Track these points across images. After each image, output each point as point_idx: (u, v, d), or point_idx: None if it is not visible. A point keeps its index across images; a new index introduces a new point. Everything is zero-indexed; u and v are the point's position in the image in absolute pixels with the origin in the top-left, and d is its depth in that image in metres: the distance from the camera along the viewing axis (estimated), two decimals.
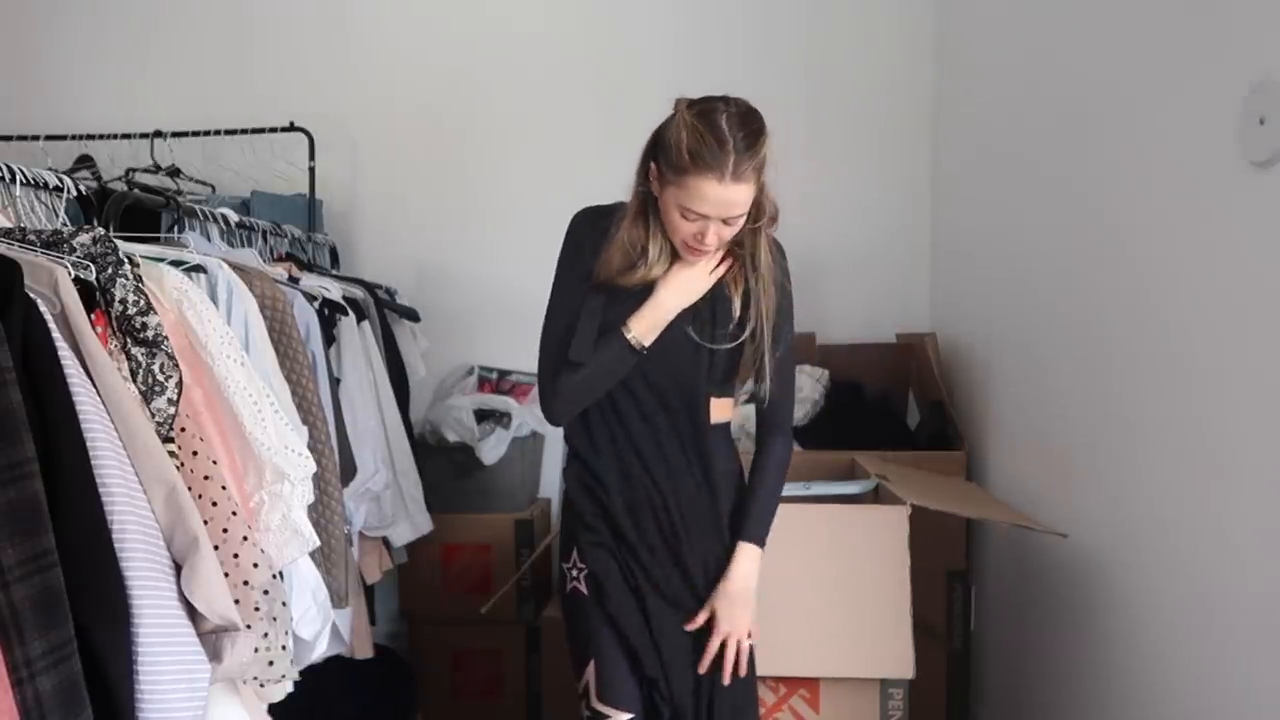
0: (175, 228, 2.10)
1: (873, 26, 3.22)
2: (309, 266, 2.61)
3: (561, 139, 3.20)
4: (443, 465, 2.86)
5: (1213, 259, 1.64)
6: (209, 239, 2.11)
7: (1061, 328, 2.23)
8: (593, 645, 1.68)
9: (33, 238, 1.22)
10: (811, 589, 2.03)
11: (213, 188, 3.00)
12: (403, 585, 2.93)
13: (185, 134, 2.95)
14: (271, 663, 1.32)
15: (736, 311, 1.66)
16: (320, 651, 1.63)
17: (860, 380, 3.04)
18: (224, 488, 1.28)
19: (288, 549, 1.41)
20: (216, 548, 1.21)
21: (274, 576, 1.35)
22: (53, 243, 1.22)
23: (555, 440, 1.80)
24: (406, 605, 2.95)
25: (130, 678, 1.03)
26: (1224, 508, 1.61)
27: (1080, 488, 2.13)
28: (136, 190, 2.18)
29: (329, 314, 2.16)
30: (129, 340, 1.23)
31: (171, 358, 1.25)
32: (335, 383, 2.13)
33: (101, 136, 2.99)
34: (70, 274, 1.15)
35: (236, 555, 1.25)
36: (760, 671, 2.02)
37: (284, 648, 1.34)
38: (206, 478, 1.27)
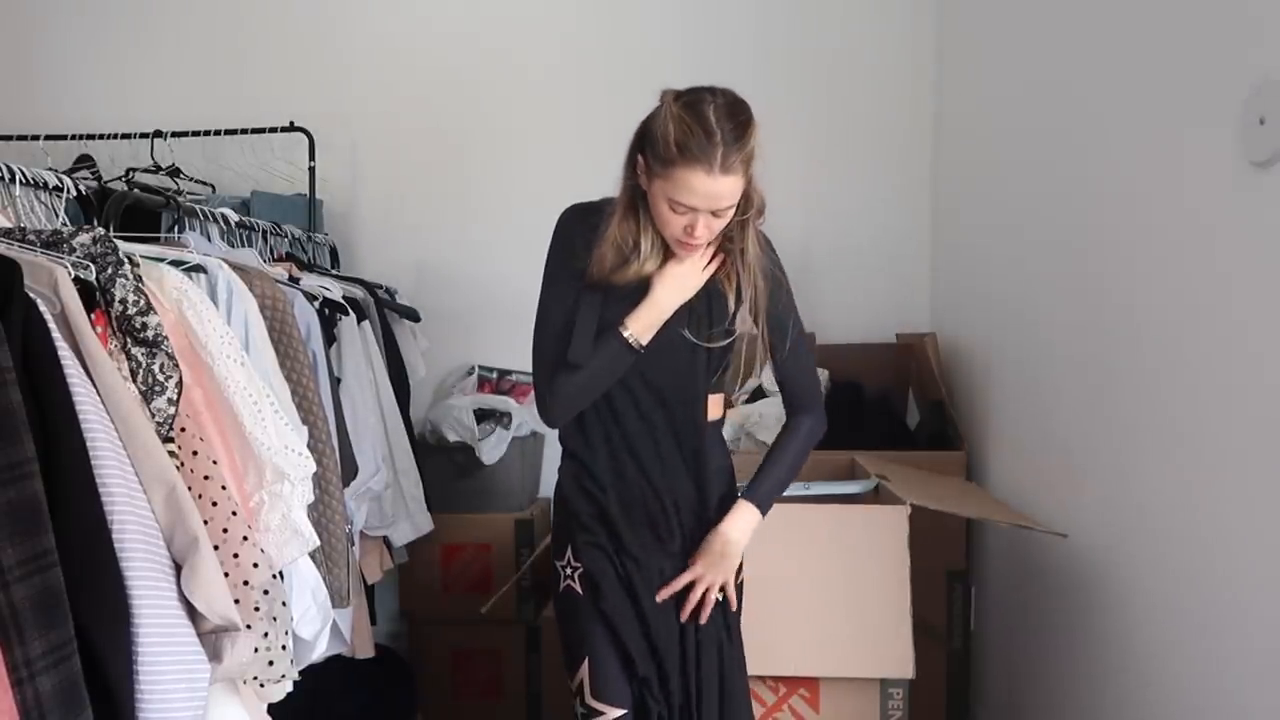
0: (175, 228, 2.10)
1: (874, 27, 3.22)
2: (309, 266, 2.61)
3: (561, 139, 3.20)
4: (443, 465, 2.86)
5: (1213, 259, 1.64)
6: (209, 239, 2.11)
7: (1061, 328, 2.23)
8: (587, 644, 1.68)
9: (33, 238, 1.22)
10: (811, 589, 2.03)
11: (213, 188, 3.00)
12: (403, 585, 2.94)
13: (185, 134, 2.95)
14: (271, 663, 1.32)
15: (732, 306, 1.65)
16: (320, 651, 1.63)
17: (860, 380, 3.04)
18: (224, 488, 1.28)
19: (288, 549, 1.41)
20: (216, 548, 1.21)
21: (274, 576, 1.35)
22: (53, 243, 1.22)
23: (555, 440, 1.80)
24: (406, 605, 2.95)
25: (130, 678, 1.03)
26: (1224, 508, 1.61)
27: (1080, 488, 2.13)
28: (136, 190, 2.18)
29: (329, 314, 2.16)
30: (129, 340, 1.23)
31: (171, 358, 1.25)
32: (335, 382, 2.13)
33: (101, 136, 2.99)
34: (70, 274, 1.15)
35: (236, 555, 1.26)
36: (760, 671, 2.02)
37: (284, 648, 1.34)
38: (206, 478, 1.27)
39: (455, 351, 3.24)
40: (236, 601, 1.20)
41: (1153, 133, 1.84)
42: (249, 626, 1.24)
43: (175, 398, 1.24)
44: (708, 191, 1.48)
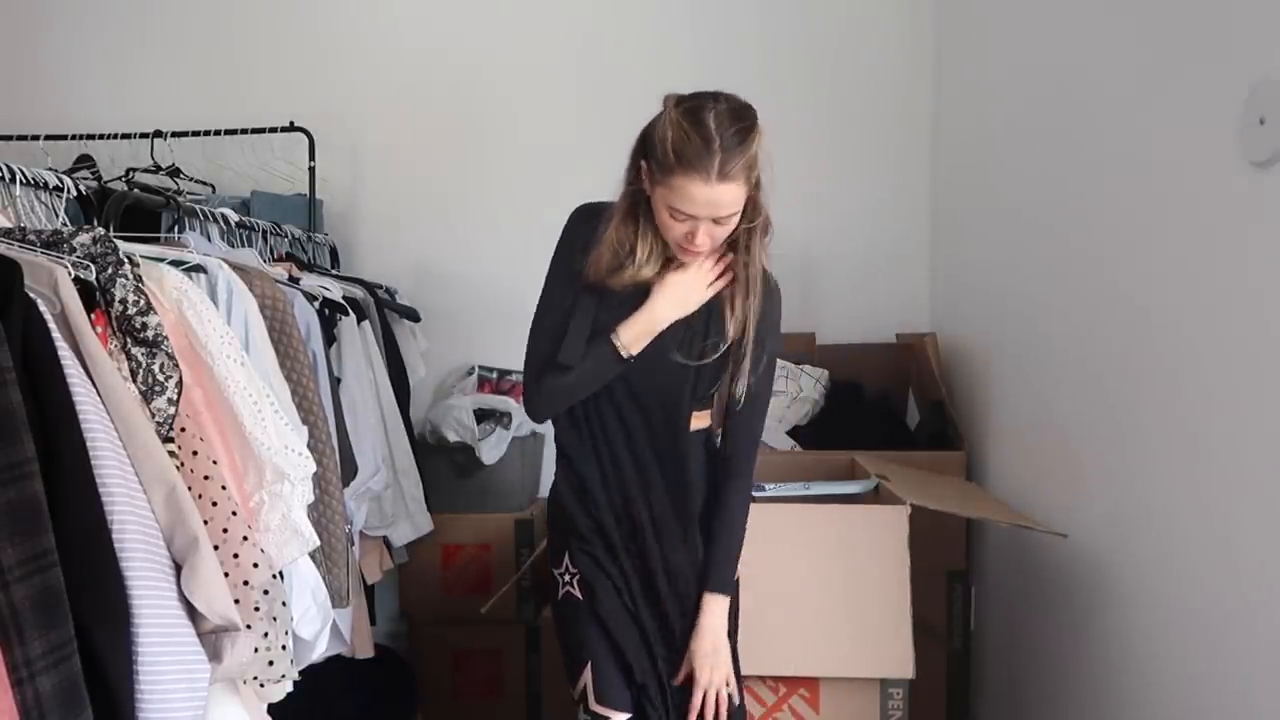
0: (175, 228, 2.10)
1: (874, 27, 3.22)
2: (309, 266, 2.61)
3: (562, 139, 3.20)
4: (443, 465, 2.85)
5: (1213, 259, 1.64)
6: (209, 239, 2.11)
7: (1061, 327, 2.23)
8: (588, 648, 1.67)
9: (33, 238, 1.22)
10: (811, 589, 2.03)
11: (213, 188, 3.00)
12: (403, 585, 2.93)
13: (185, 134, 2.95)
14: (271, 663, 1.32)
15: (730, 328, 1.61)
16: (320, 651, 1.63)
17: (860, 380, 3.04)
18: (224, 488, 1.28)
19: (288, 549, 1.40)
20: (216, 548, 1.21)
21: (274, 576, 1.35)
22: (53, 243, 1.22)
23: (555, 440, 1.80)
24: (406, 605, 2.95)
25: (130, 678, 1.03)
26: (1225, 507, 1.61)
27: (1080, 488, 2.13)
28: (136, 190, 2.18)
29: (329, 314, 2.16)
30: (129, 340, 1.23)
31: (171, 358, 1.25)
32: (335, 382, 2.13)
33: (101, 136, 2.99)
34: (70, 274, 1.15)
35: (236, 555, 1.25)
36: (760, 671, 2.02)
37: (284, 648, 1.34)
38: (206, 478, 1.27)
39: (455, 351, 3.24)
40: (236, 601, 1.20)
41: (1153, 133, 1.84)
42: (249, 626, 1.24)
43: (175, 398, 1.24)
44: (706, 199, 1.46)
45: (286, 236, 2.59)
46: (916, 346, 3.01)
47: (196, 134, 2.96)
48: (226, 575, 1.20)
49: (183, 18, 3.33)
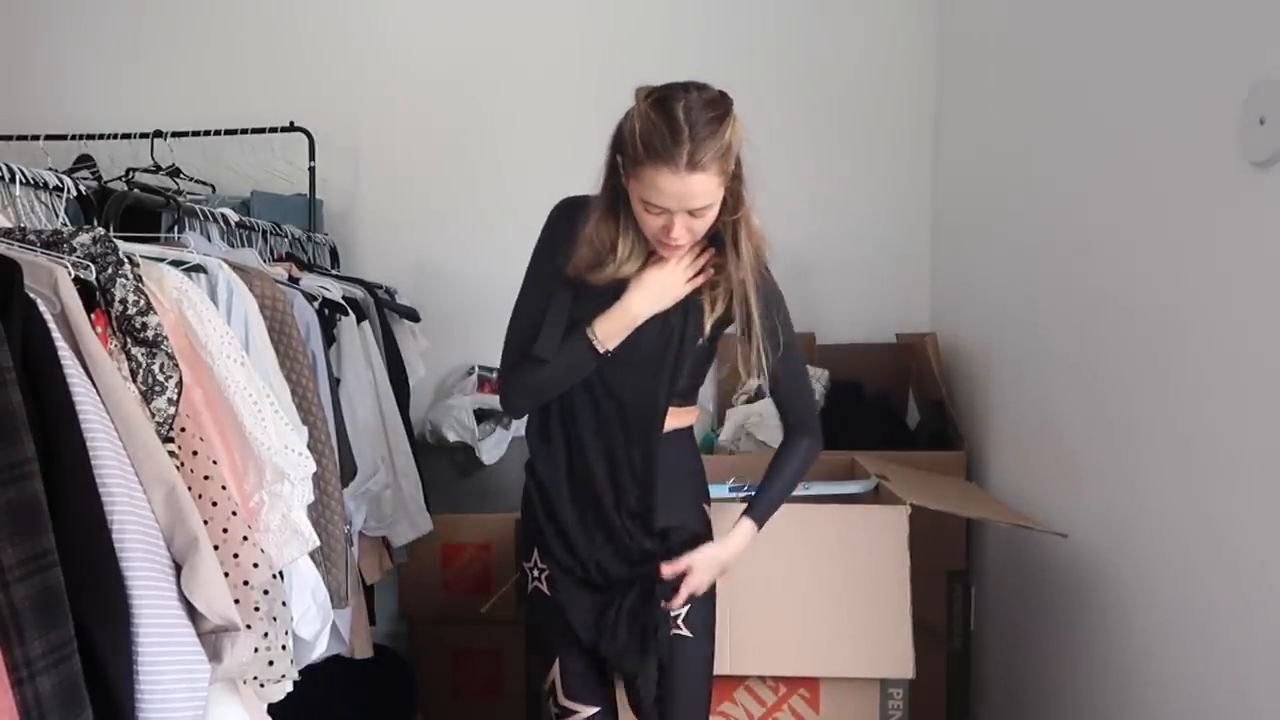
0: (175, 228, 2.10)
1: (874, 27, 3.22)
2: (309, 266, 2.61)
3: (561, 139, 3.19)
4: (443, 465, 2.85)
5: (1213, 259, 1.64)
6: (209, 239, 2.11)
7: (1061, 328, 2.23)
8: (556, 644, 1.68)
9: (33, 238, 1.22)
10: (811, 589, 2.03)
11: (213, 188, 3.00)
12: (403, 585, 2.93)
13: (185, 134, 2.95)
14: (271, 663, 1.32)
15: (709, 323, 1.60)
16: (320, 651, 1.63)
17: (860, 380, 3.04)
18: (224, 488, 1.28)
19: (288, 549, 1.40)
20: (216, 548, 1.20)
21: (274, 576, 1.35)
22: (53, 243, 1.22)
23: None
24: (406, 605, 2.95)
25: (130, 678, 1.03)
26: (1224, 508, 1.61)
27: (1080, 488, 2.13)
28: (136, 190, 2.17)
29: (329, 314, 2.16)
30: (129, 340, 1.23)
31: (171, 358, 1.25)
32: (335, 383, 2.13)
33: (101, 136, 2.99)
34: (70, 274, 1.15)
35: (236, 555, 1.25)
36: (760, 671, 2.03)
37: (284, 648, 1.34)
38: (206, 478, 1.27)
39: (455, 351, 3.24)
40: (236, 601, 1.20)
41: (1153, 133, 1.84)
42: (249, 626, 1.24)
43: (175, 398, 1.24)
44: (676, 191, 1.44)
45: (286, 236, 2.59)
46: (916, 346, 3.02)
47: (196, 134, 2.96)
48: (226, 575, 1.20)
49: (183, 18, 3.33)
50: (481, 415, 2.96)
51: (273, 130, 3.01)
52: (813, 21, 3.22)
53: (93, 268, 1.21)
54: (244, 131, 3.01)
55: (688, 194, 1.44)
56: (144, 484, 1.11)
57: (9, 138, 2.97)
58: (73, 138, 2.98)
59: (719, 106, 1.46)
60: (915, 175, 3.22)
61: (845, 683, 2.03)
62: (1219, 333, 1.62)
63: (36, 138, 2.92)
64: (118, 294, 1.22)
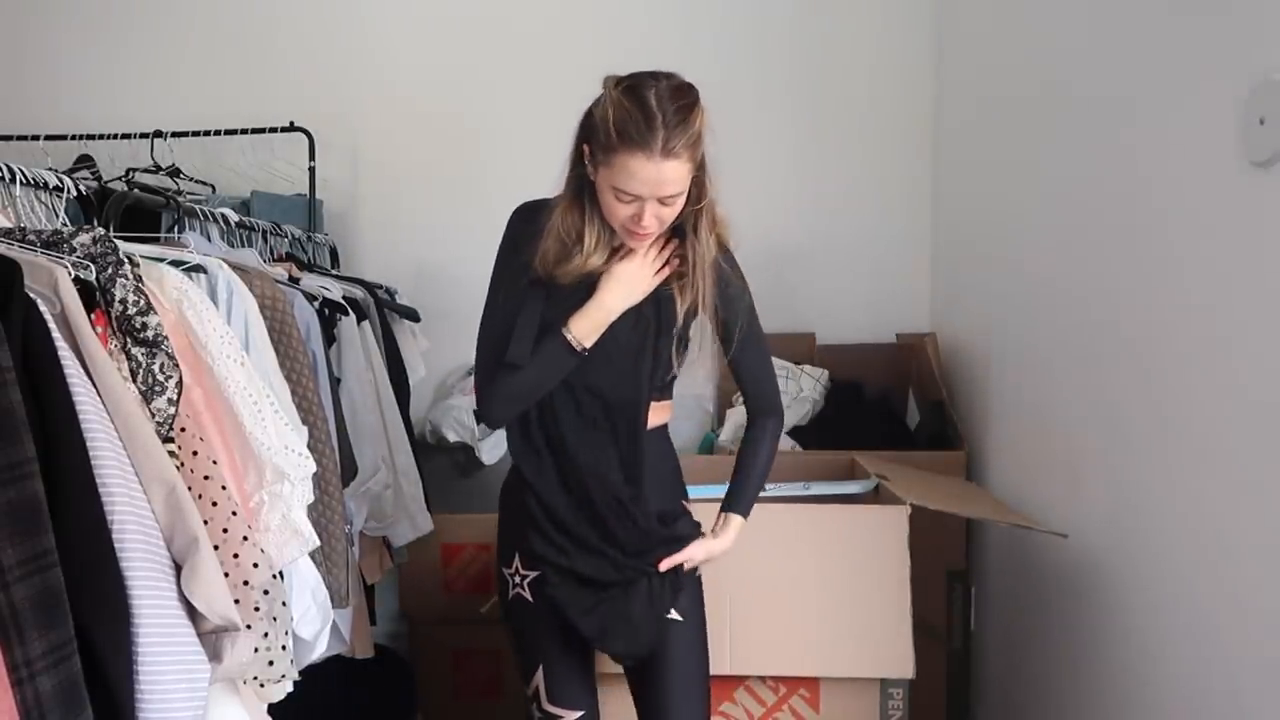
0: (175, 228, 2.10)
1: (873, 27, 3.22)
2: (309, 266, 2.61)
3: (561, 139, 3.19)
4: (443, 465, 2.85)
5: (1213, 259, 1.64)
6: (209, 239, 2.11)
7: (1061, 328, 2.23)
8: (541, 650, 1.68)
9: (33, 238, 1.22)
10: (811, 589, 2.03)
11: (213, 188, 3.00)
12: (403, 585, 2.94)
13: (185, 134, 2.95)
14: (271, 663, 1.32)
15: (681, 313, 1.60)
16: (320, 651, 1.63)
17: (860, 380, 3.04)
18: (224, 488, 1.28)
19: (288, 549, 1.40)
20: (216, 548, 1.20)
21: (274, 576, 1.35)
22: (53, 243, 1.22)
23: None
24: (406, 605, 2.95)
25: (130, 678, 1.03)
26: (1224, 508, 1.61)
27: (1080, 488, 2.13)
28: (136, 190, 2.17)
29: (329, 314, 2.16)
30: (129, 340, 1.23)
31: (171, 358, 1.25)
32: (335, 382, 2.13)
33: (101, 136, 2.99)
34: (70, 274, 1.15)
35: (236, 555, 1.25)
36: (760, 671, 2.03)
37: (284, 648, 1.34)
38: (206, 478, 1.27)
39: (455, 351, 3.23)
40: (236, 601, 1.20)
41: (1153, 132, 1.84)
42: (249, 626, 1.24)
43: (175, 398, 1.24)
44: (650, 178, 1.44)
45: (286, 236, 2.59)
46: (916, 346, 3.02)
47: (196, 134, 2.96)
48: (226, 575, 1.20)
49: (184, 18, 3.33)
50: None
51: (273, 130, 3.01)
52: (812, 22, 3.22)
53: (93, 268, 1.21)
54: (244, 131, 3.01)
55: (661, 181, 1.45)
56: (144, 484, 1.11)
57: (9, 138, 2.97)
58: (73, 138, 2.98)
59: (688, 95, 1.48)
60: (915, 175, 3.22)
61: (845, 683, 2.03)
62: (1219, 332, 1.62)
63: (36, 138, 2.92)
64: (118, 294, 1.22)
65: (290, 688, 1.43)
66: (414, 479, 2.50)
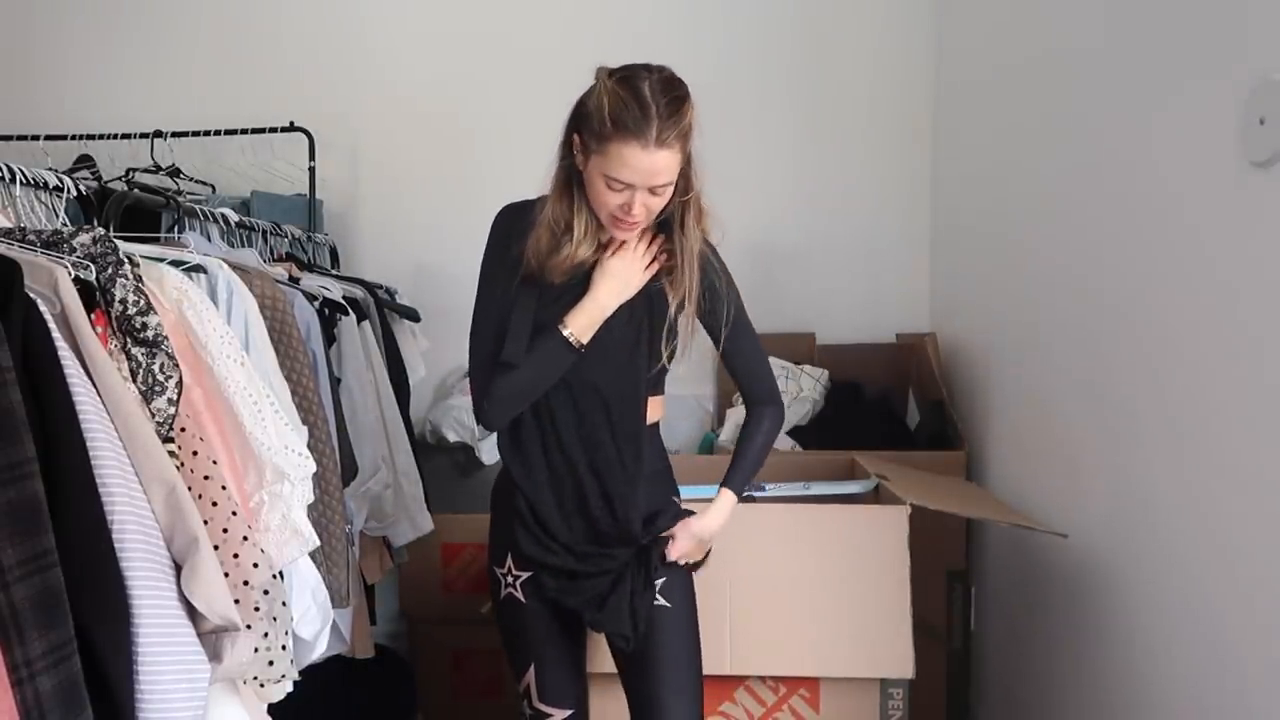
0: (175, 228, 2.10)
1: (873, 27, 3.22)
2: (309, 266, 2.61)
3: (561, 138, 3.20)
4: (443, 465, 2.85)
5: (1213, 259, 1.64)
6: (209, 239, 2.11)
7: (1061, 328, 2.23)
8: (532, 650, 1.69)
9: (33, 238, 1.22)
10: (811, 589, 2.03)
11: (213, 188, 3.00)
12: (403, 585, 2.93)
13: (185, 134, 2.95)
14: (271, 663, 1.32)
15: (673, 307, 1.61)
16: (320, 651, 1.62)
17: (860, 380, 3.04)
18: (224, 488, 1.28)
19: (288, 549, 1.40)
20: (216, 548, 1.20)
21: (274, 576, 1.35)
22: (53, 243, 1.22)
23: None
24: (406, 605, 2.95)
25: (130, 678, 1.03)
26: (1225, 507, 1.61)
27: (1080, 488, 2.13)
28: (136, 190, 2.17)
29: (329, 314, 2.16)
30: (129, 340, 1.23)
31: (171, 358, 1.25)
32: (335, 382, 2.13)
33: (102, 136, 2.99)
34: (70, 274, 1.15)
35: (236, 555, 1.25)
36: (760, 671, 2.02)
37: (284, 648, 1.34)
38: (206, 478, 1.27)
39: (455, 351, 3.21)
40: (236, 601, 1.19)
41: (1153, 133, 1.84)
42: (249, 626, 1.24)
43: (175, 398, 1.24)
44: (643, 166, 1.46)
45: (286, 236, 2.59)
46: (916, 346, 3.02)
47: (196, 134, 2.96)
48: (226, 575, 1.20)
49: (183, 18, 3.33)
50: None
51: (273, 130, 3.01)
52: (812, 23, 3.22)
53: (93, 268, 1.21)
54: (244, 131, 3.01)
55: (653, 170, 1.47)
56: (144, 484, 1.11)
57: (9, 138, 2.97)
58: (73, 138, 2.98)
59: (680, 87, 1.50)
60: (915, 175, 3.22)
61: (845, 683, 2.03)
62: (1219, 332, 1.62)
63: (36, 138, 2.92)
64: (118, 294, 1.22)
65: (290, 688, 1.43)
66: (414, 479, 2.50)
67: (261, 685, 1.35)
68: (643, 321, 1.62)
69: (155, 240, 1.87)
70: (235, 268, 1.68)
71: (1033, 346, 2.40)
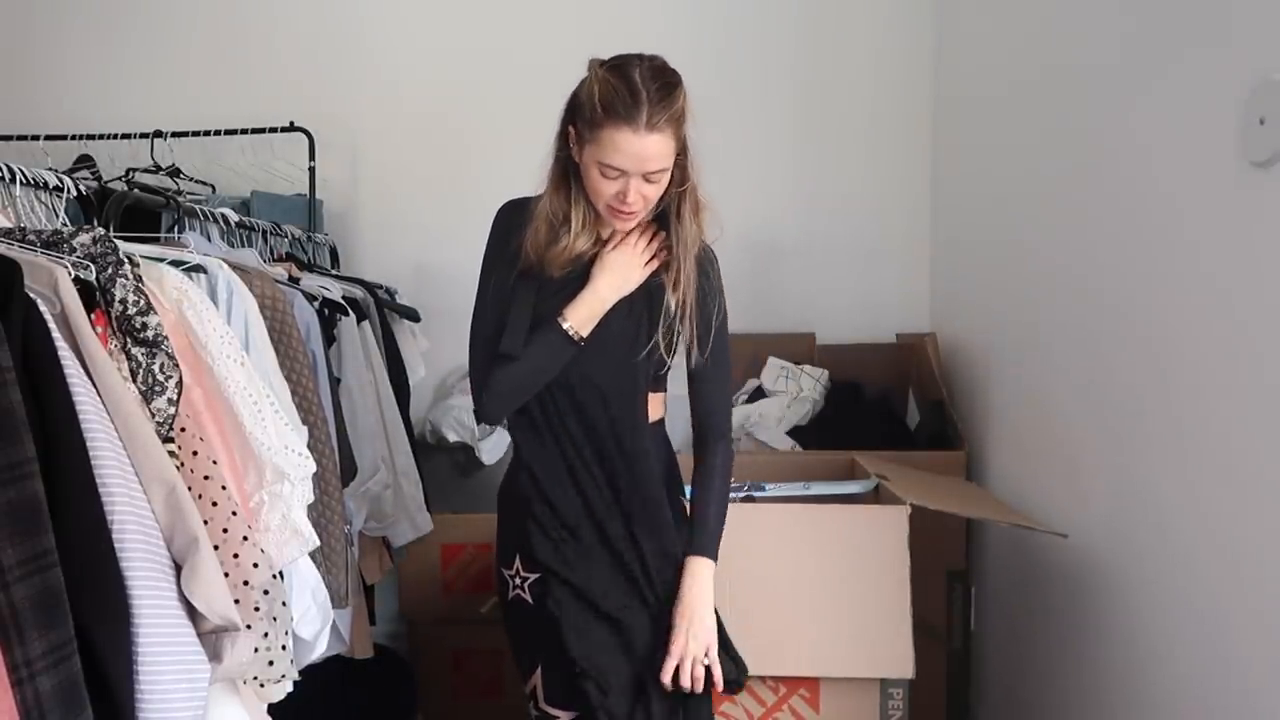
0: (175, 228, 2.10)
1: (873, 27, 3.22)
2: (309, 266, 2.61)
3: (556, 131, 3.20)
4: (443, 465, 2.85)
5: (1213, 259, 1.64)
6: (209, 239, 2.11)
7: (1061, 328, 2.23)
8: (538, 651, 1.68)
9: (33, 238, 1.22)
10: (811, 589, 2.03)
11: (213, 188, 3.00)
12: (403, 585, 2.93)
13: (185, 134, 2.95)
14: (271, 663, 1.32)
15: (674, 303, 1.61)
16: (320, 651, 1.63)
17: (860, 380, 3.04)
18: (224, 488, 1.28)
19: (288, 549, 1.40)
20: (216, 548, 1.20)
21: (274, 576, 1.35)
22: (53, 243, 1.22)
23: None
24: (406, 605, 2.95)
25: (130, 678, 1.03)
26: (1225, 507, 1.61)
27: (1080, 488, 2.13)
28: (136, 190, 2.17)
29: (329, 314, 2.16)
30: (129, 340, 1.23)
31: (171, 358, 1.25)
32: (335, 383, 2.13)
33: (102, 136, 2.99)
34: (70, 274, 1.15)
35: (236, 555, 1.25)
36: (760, 671, 2.02)
37: (284, 648, 1.34)
38: (206, 478, 1.27)
39: (455, 351, 3.21)
40: (236, 601, 1.19)
41: (1153, 132, 1.84)
42: (249, 626, 1.24)
43: (175, 398, 1.24)
44: (635, 152, 1.46)
45: (286, 236, 2.59)
46: (916, 346, 3.02)
47: (196, 134, 2.96)
48: (226, 575, 1.20)
49: (183, 18, 3.33)
50: None
51: (273, 130, 3.01)
52: (812, 23, 3.22)
53: (93, 268, 1.21)
54: (244, 131, 3.01)
55: (646, 155, 1.47)
56: (144, 484, 1.11)
57: (9, 138, 2.97)
58: (73, 138, 2.98)
59: (671, 74, 1.51)
60: (915, 175, 3.22)
61: (845, 683, 2.03)
62: (1219, 332, 1.62)
63: (36, 138, 2.92)
64: (118, 294, 1.22)
65: (290, 688, 1.43)
66: (414, 479, 2.50)
67: (261, 685, 1.35)
68: (642, 317, 1.62)
69: (155, 240, 1.87)
70: (235, 268, 1.68)
71: (1033, 346, 2.40)
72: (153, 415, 1.21)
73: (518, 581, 1.69)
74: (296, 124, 3.02)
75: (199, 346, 1.38)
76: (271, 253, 2.47)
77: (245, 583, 1.26)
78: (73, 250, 1.22)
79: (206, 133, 2.97)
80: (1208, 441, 1.65)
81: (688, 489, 1.76)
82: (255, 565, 1.27)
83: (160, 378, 1.23)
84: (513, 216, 1.64)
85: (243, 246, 2.28)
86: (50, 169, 1.70)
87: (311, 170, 3.02)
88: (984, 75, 2.80)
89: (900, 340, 3.14)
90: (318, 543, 1.47)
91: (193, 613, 1.12)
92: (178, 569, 1.12)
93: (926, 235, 3.22)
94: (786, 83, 3.22)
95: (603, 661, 1.62)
